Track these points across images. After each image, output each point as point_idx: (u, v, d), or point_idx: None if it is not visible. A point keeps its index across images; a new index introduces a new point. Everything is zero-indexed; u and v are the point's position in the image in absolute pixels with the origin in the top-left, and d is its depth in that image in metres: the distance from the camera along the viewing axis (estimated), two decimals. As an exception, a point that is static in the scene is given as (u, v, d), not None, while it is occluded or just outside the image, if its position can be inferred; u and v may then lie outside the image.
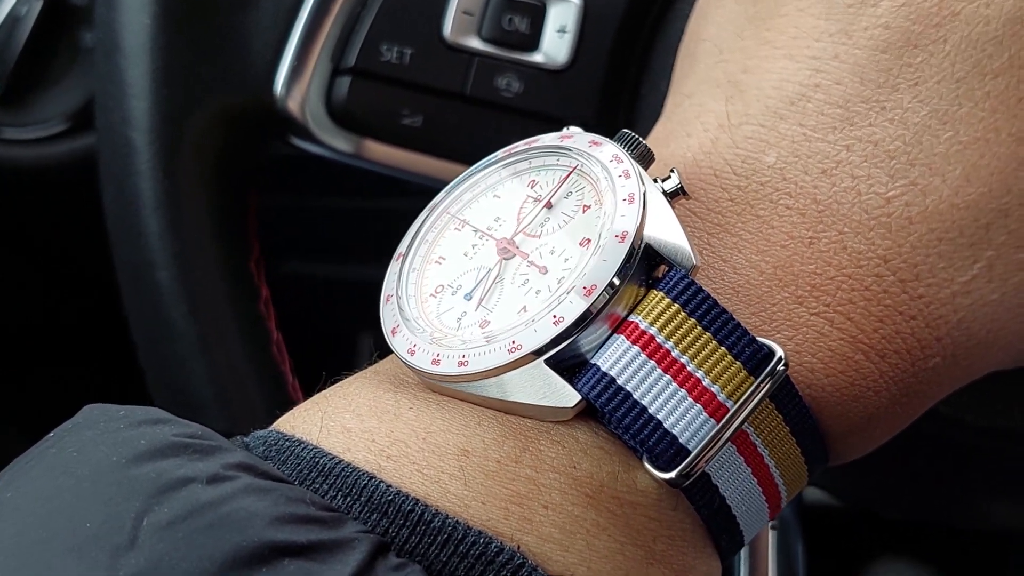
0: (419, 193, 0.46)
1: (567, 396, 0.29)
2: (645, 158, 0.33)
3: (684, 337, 0.29)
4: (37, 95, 0.62)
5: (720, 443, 0.29)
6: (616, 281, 0.30)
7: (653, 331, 0.29)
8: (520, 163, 0.35)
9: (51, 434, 0.30)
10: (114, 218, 0.46)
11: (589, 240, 0.31)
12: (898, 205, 0.32)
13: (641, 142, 0.33)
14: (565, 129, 0.35)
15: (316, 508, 0.27)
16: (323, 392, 0.33)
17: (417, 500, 0.28)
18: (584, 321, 0.29)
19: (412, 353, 0.31)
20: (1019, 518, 0.51)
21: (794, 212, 0.32)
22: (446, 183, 0.47)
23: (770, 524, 0.54)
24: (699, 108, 0.35)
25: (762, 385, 0.29)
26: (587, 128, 0.46)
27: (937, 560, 0.58)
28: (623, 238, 0.30)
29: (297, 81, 0.46)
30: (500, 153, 0.35)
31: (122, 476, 0.27)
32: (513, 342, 0.30)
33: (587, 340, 0.30)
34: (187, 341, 0.45)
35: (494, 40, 0.46)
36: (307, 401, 0.33)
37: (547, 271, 0.31)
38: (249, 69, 0.46)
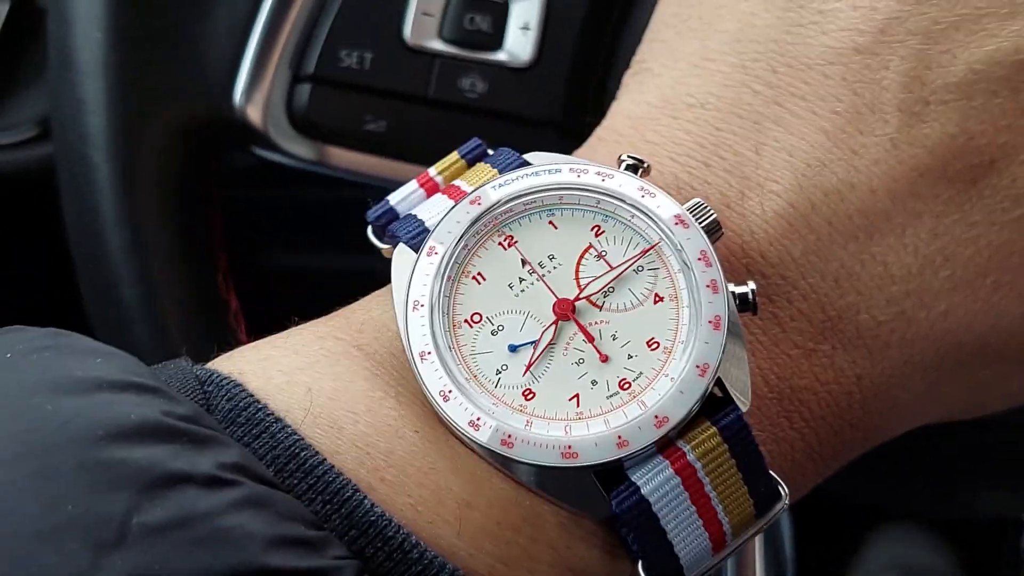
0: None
1: (599, 509, 0.30)
2: (713, 232, 0.32)
3: (720, 475, 0.30)
4: (5, 100, 0.62)
5: (711, 568, 0.31)
6: (689, 416, 0.30)
7: (698, 465, 0.30)
8: (585, 197, 0.32)
9: (7, 339, 0.29)
10: (76, 235, 0.45)
11: (658, 344, 0.31)
12: (885, 330, 0.33)
13: (712, 215, 0.32)
14: (589, 166, 0.33)
15: (306, 527, 0.27)
16: (299, 347, 0.32)
17: (400, 527, 0.28)
18: (647, 448, 0.30)
19: (475, 427, 0.30)
20: (1008, 505, 0.51)
21: (804, 319, 0.32)
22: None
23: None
24: (717, 133, 0.34)
25: (762, 525, 0.31)
26: (554, 127, 0.46)
27: (927, 544, 0.58)
28: (703, 372, 0.30)
29: (256, 90, 0.45)
30: (542, 166, 0.33)
31: (109, 458, 0.26)
32: (569, 448, 0.29)
33: (635, 458, 0.30)
34: (155, 360, 0.45)
35: (456, 41, 0.45)
36: (283, 349, 0.31)
37: (608, 362, 0.31)
38: (206, 80, 0.45)
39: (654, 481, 0.30)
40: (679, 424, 0.30)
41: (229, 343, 0.46)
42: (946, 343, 0.34)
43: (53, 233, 0.52)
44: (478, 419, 0.30)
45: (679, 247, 0.31)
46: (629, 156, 0.33)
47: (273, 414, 0.29)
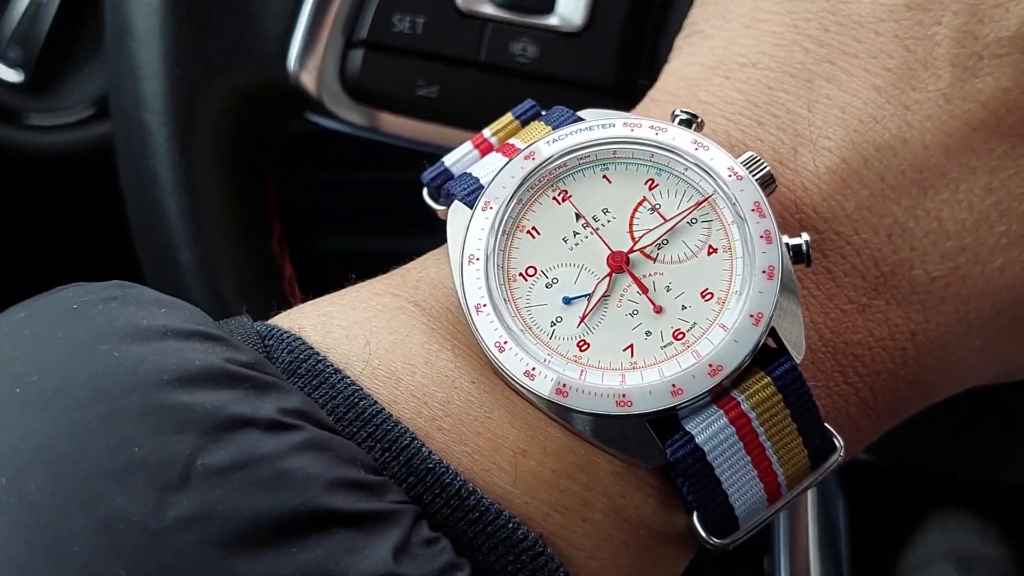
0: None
1: (654, 457, 0.30)
2: (767, 185, 0.32)
3: (775, 425, 0.30)
4: (62, 81, 0.63)
5: (766, 520, 0.31)
6: (743, 365, 0.30)
7: (752, 415, 0.30)
8: (639, 151, 0.32)
9: (74, 291, 0.29)
10: (133, 202, 0.46)
11: (711, 295, 0.31)
12: (939, 285, 0.33)
13: (765, 167, 0.32)
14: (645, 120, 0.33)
15: (365, 471, 0.27)
16: (356, 304, 0.32)
17: (457, 474, 0.28)
18: (701, 396, 0.30)
19: (530, 377, 0.30)
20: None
21: (857, 274, 0.32)
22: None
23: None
24: (769, 92, 0.34)
25: (817, 477, 0.31)
26: (606, 91, 0.46)
27: (982, 532, 0.57)
28: (757, 321, 0.30)
29: (310, 56, 0.45)
30: (595, 121, 0.33)
31: (175, 401, 0.26)
32: (623, 396, 0.30)
33: (690, 407, 0.30)
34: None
35: (507, 5, 0.45)
36: (341, 305, 0.32)
37: (662, 313, 0.31)
38: (261, 46, 0.45)
39: (709, 430, 0.30)
40: (733, 373, 0.30)
41: (285, 308, 0.47)
42: (1002, 299, 0.33)
43: (111, 211, 0.53)
44: (533, 369, 0.30)
45: (733, 199, 0.31)
46: (683, 111, 0.33)
47: (332, 365, 0.29)
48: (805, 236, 0.31)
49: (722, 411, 0.30)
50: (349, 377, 0.29)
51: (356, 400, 0.29)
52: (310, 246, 0.53)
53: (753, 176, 0.31)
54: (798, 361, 0.30)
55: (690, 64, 0.35)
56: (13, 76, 0.61)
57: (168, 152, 0.45)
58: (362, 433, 0.28)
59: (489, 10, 0.45)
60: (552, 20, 0.45)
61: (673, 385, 0.29)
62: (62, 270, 0.70)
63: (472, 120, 0.46)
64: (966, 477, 0.56)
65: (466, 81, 0.46)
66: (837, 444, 0.31)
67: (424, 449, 0.28)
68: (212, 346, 0.28)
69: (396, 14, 0.45)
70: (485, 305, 0.31)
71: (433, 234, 0.33)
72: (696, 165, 0.32)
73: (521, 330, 0.31)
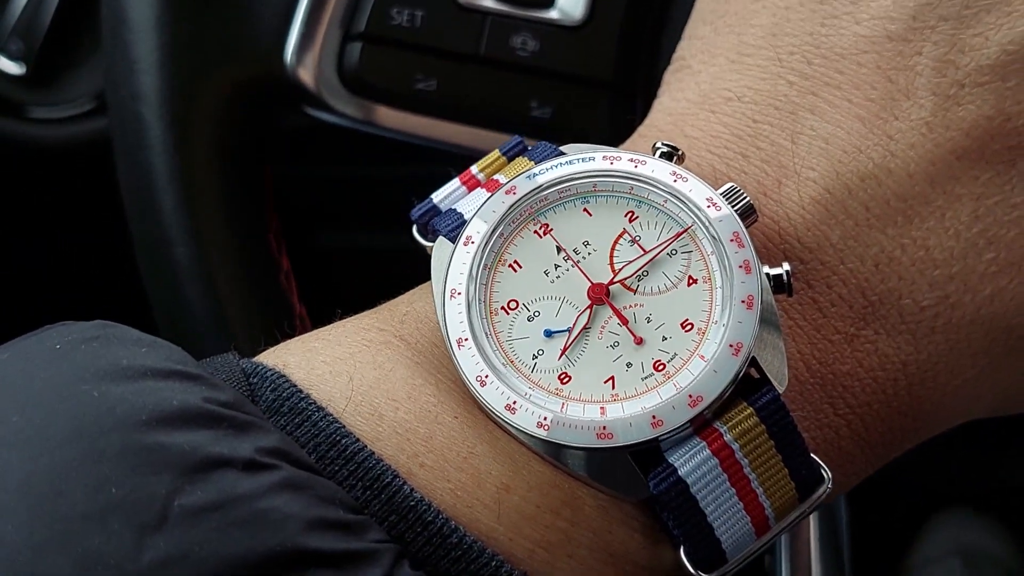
0: (441, 159, 0.45)
1: (638, 490, 0.30)
2: (747, 215, 0.32)
3: (759, 457, 0.30)
4: (64, 74, 0.62)
5: (755, 554, 0.30)
6: (723, 395, 0.30)
7: (735, 446, 0.30)
8: (619, 184, 0.33)
9: (58, 331, 0.29)
10: (129, 195, 0.46)
11: (692, 325, 0.31)
12: (928, 315, 0.33)
13: (745, 199, 0.32)
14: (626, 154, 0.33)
15: (344, 510, 0.27)
16: (342, 339, 0.32)
17: (439, 512, 0.28)
18: (682, 427, 0.30)
19: (512, 411, 0.30)
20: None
21: (844, 304, 0.32)
22: (463, 148, 0.47)
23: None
24: (754, 124, 0.34)
25: (806, 509, 0.31)
26: (606, 86, 0.45)
27: (988, 530, 0.56)
28: (737, 351, 0.30)
29: (307, 49, 0.45)
30: (575, 155, 0.33)
31: (153, 442, 0.26)
32: (604, 429, 0.29)
33: (673, 440, 0.30)
34: (206, 318, 0.45)
35: (507, -2, 0.45)
36: (327, 340, 0.32)
37: (643, 344, 0.31)
38: (258, 39, 0.45)
39: (691, 462, 0.30)
40: (713, 403, 0.30)
41: (282, 303, 0.47)
42: (995, 327, 0.33)
43: (112, 205, 0.53)
44: (515, 403, 0.30)
45: (712, 230, 0.31)
46: (663, 143, 0.33)
47: (315, 403, 0.29)
48: (786, 266, 0.31)
49: (704, 442, 0.30)
50: (332, 415, 0.29)
51: (338, 438, 0.29)
52: (307, 242, 0.53)
53: (733, 207, 0.31)
54: (780, 391, 0.30)
55: (677, 100, 0.36)
56: (14, 69, 0.61)
57: (164, 145, 0.44)
58: (343, 471, 0.28)
59: (489, 3, 0.45)
60: (552, 14, 0.45)
61: (653, 416, 0.29)
62: (62, 270, 0.70)
63: (471, 114, 0.46)
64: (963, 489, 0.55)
65: (465, 75, 0.45)
66: (825, 476, 0.31)
67: (406, 487, 0.28)
68: (191, 385, 0.28)
69: (394, 7, 0.45)
70: (467, 339, 0.31)
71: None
72: (675, 196, 0.32)
73: (503, 364, 0.31)
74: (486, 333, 0.31)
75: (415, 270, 0.35)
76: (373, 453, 0.29)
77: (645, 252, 0.32)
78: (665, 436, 0.29)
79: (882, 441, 0.33)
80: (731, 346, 0.30)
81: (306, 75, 0.45)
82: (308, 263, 0.50)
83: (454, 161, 0.39)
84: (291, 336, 0.34)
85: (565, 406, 0.30)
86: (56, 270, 0.70)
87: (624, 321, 0.31)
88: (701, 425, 0.30)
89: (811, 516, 0.53)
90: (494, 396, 0.30)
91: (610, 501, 0.30)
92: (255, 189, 0.47)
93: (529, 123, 0.45)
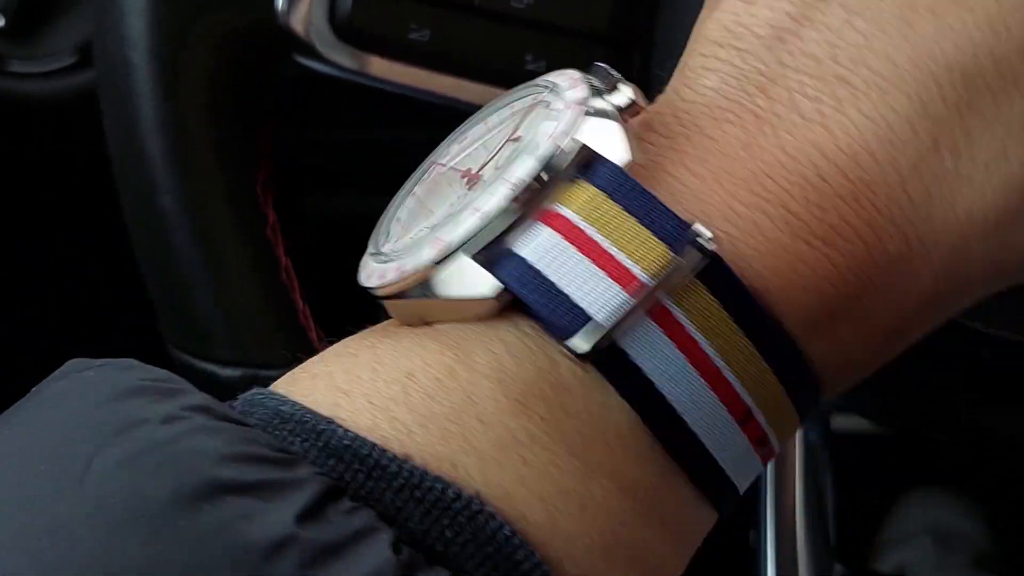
0: (442, 120, 0.44)
1: (485, 284, 0.28)
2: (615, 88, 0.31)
3: (607, 222, 0.28)
4: (45, 27, 0.62)
5: (633, 314, 0.28)
6: (542, 175, 0.28)
7: (575, 218, 0.28)
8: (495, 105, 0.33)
9: (34, 389, 0.29)
10: (115, 142, 0.45)
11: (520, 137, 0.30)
12: (830, 105, 0.30)
13: (613, 73, 0.31)
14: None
15: (270, 450, 0.26)
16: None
17: (375, 445, 0.27)
18: (504, 209, 0.28)
19: (366, 276, 0.30)
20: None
21: (735, 125, 0.30)
22: (456, 101, 0.46)
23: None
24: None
25: (685, 261, 0.28)
26: (603, 40, 0.45)
27: (960, 509, 0.57)
28: (552, 137, 0.29)
29: (299, -5, 0.44)
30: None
31: (83, 419, 0.26)
32: (438, 238, 0.28)
33: (514, 234, 0.28)
34: (192, 267, 0.44)
35: (504, -52, 0.44)
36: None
37: (482, 179, 0.30)
38: (249, -16, 0.44)
39: (532, 243, 0.28)
40: (530, 182, 0.28)
41: (265, 254, 0.46)
42: (926, 82, 0.31)
43: (93, 160, 0.52)
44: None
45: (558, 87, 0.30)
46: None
47: (265, 391, 0.29)
48: (624, 87, 0.30)
49: (543, 222, 0.28)
50: (278, 392, 0.28)
51: (279, 408, 0.28)
52: (299, 203, 0.52)
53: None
54: (619, 164, 0.29)
55: None
56: (-7, 21, 0.60)
57: (152, 91, 0.44)
58: (284, 431, 0.27)
59: (485, -47, 0.45)
60: (549, -35, 0.45)
61: (474, 207, 0.28)
62: (62, 270, 0.69)
63: (464, 66, 0.45)
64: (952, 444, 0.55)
65: (460, 26, 0.45)
66: (701, 230, 0.28)
67: (339, 430, 0.27)
68: (127, 373, 0.28)
69: (388, -46, 0.44)
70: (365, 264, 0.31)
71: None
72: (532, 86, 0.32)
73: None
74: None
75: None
76: (308, 409, 0.27)
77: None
78: (487, 219, 0.28)
79: (840, 233, 0.30)
80: (548, 135, 0.29)
81: (297, 22, 0.45)
82: (295, 225, 0.49)
83: (449, 123, 0.38)
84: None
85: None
86: (56, 270, 0.70)
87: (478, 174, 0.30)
88: (541, 213, 0.28)
89: (797, 492, 0.53)
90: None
91: (493, 337, 0.28)
92: (245, 139, 0.46)
93: (523, 76, 0.44)
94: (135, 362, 0.29)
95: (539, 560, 0.27)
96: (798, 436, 0.53)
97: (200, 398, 0.27)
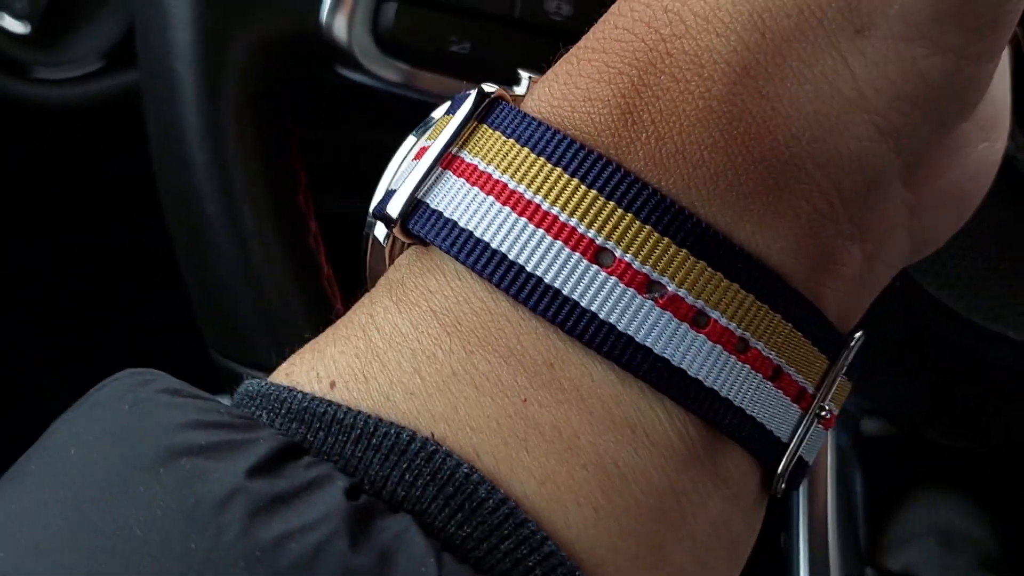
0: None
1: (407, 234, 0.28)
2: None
3: (518, 169, 0.27)
4: (69, 33, 0.62)
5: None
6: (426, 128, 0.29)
7: (485, 165, 0.28)
8: None
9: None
10: (160, 150, 0.45)
11: None
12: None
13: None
14: None
15: (230, 417, 0.26)
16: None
17: (330, 403, 0.26)
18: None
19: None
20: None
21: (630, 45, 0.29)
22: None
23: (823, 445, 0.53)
24: None
25: (605, 202, 0.27)
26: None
27: (964, 510, 0.57)
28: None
29: (342, 8, 0.45)
30: None
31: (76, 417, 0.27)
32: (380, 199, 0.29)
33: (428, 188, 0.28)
34: (235, 272, 0.45)
35: (543, -39, 0.45)
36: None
37: None
38: (293, -4, 0.45)
39: (447, 198, 0.28)
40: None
41: (307, 262, 0.47)
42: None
43: (116, 166, 0.52)
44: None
45: None
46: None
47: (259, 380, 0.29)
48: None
49: (455, 175, 0.28)
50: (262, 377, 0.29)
51: (260, 389, 0.28)
52: (330, 208, 0.53)
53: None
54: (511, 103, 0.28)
55: None
56: (19, 28, 0.60)
57: (196, 100, 0.44)
58: (251, 406, 0.27)
59: (525, -34, 0.45)
60: (588, -22, 0.45)
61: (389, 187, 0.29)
62: (62, 270, 0.69)
63: (504, 78, 0.46)
64: (973, 449, 0.56)
65: (500, 38, 0.45)
66: (607, 158, 0.27)
67: (298, 394, 0.27)
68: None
69: (431, -33, 0.45)
70: None
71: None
72: None
73: None
74: None
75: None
76: (273, 383, 0.27)
77: None
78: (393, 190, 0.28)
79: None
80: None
81: (340, 34, 0.45)
82: (330, 229, 0.49)
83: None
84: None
85: None
86: (56, 270, 0.69)
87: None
88: (450, 162, 0.28)
89: (829, 495, 0.53)
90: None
91: (423, 287, 0.28)
92: (286, 147, 0.47)
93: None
94: (135, 370, 0.29)
95: (504, 496, 0.26)
96: (829, 441, 0.53)
97: (173, 383, 0.27)
